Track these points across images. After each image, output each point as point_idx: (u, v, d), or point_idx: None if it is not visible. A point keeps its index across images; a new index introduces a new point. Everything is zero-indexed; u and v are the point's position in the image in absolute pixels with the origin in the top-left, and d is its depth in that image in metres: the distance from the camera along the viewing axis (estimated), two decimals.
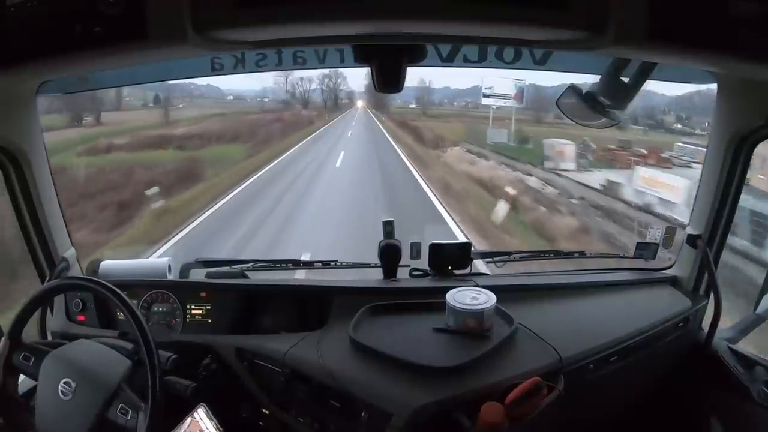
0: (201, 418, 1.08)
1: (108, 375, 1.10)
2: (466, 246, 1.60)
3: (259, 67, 1.57)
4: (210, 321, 1.46)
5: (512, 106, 12.87)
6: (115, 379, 1.10)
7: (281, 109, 18.22)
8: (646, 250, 1.62)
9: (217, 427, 1.08)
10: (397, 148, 14.65)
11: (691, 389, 1.49)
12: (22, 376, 1.19)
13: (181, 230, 6.88)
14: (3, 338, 1.16)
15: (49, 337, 1.45)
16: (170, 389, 1.13)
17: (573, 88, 1.11)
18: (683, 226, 1.57)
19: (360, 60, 0.97)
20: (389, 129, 18.71)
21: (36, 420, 1.10)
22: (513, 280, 1.60)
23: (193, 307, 1.47)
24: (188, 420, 1.08)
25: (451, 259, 1.59)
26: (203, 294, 1.47)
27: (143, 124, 13.00)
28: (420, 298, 1.43)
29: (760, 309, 1.40)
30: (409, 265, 1.63)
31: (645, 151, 10.44)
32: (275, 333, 1.41)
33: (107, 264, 1.57)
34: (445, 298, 1.31)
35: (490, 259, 1.70)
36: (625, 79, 1.06)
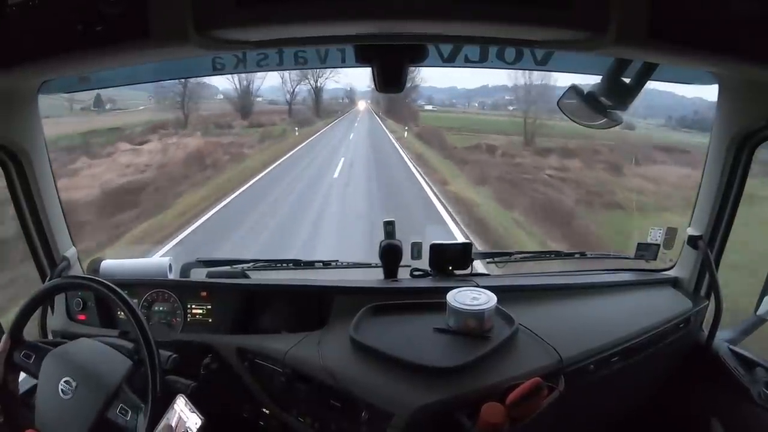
0: (181, 409, 1.08)
1: (109, 375, 1.10)
2: (467, 246, 1.59)
3: (260, 67, 1.58)
4: (210, 320, 1.46)
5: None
6: (115, 380, 1.10)
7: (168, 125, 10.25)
8: (646, 251, 1.61)
9: (199, 416, 1.07)
10: None
11: (691, 390, 1.49)
12: (22, 374, 1.19)
13: None
14: (4, 336, 1.17)
15: (50, 336, 1.46)
16: (171, 388, 1.13)
17: (574, 89, 1.11)
18: None
19: (361, 60, 0.98)
20: None
21: (36, 418, 1.10)
22: (514, 281, 1.59)
23: (193, 306, 1.47)
24: (168, 411, 1.08)
25: (451, 260, 1.59)
26: (204, 293, 1.47)
27: None
28: (421, 299, 1.43)
29: (760, 310, 1.40)
30: (409, 266, 1.63)
31: None
32: (276, 333, 1.41)
33: (108, 263, 1.57)
34: (445, 298, 1.31)
35: (491, 260, 1.70)
36: (627, 80, 1.06)
